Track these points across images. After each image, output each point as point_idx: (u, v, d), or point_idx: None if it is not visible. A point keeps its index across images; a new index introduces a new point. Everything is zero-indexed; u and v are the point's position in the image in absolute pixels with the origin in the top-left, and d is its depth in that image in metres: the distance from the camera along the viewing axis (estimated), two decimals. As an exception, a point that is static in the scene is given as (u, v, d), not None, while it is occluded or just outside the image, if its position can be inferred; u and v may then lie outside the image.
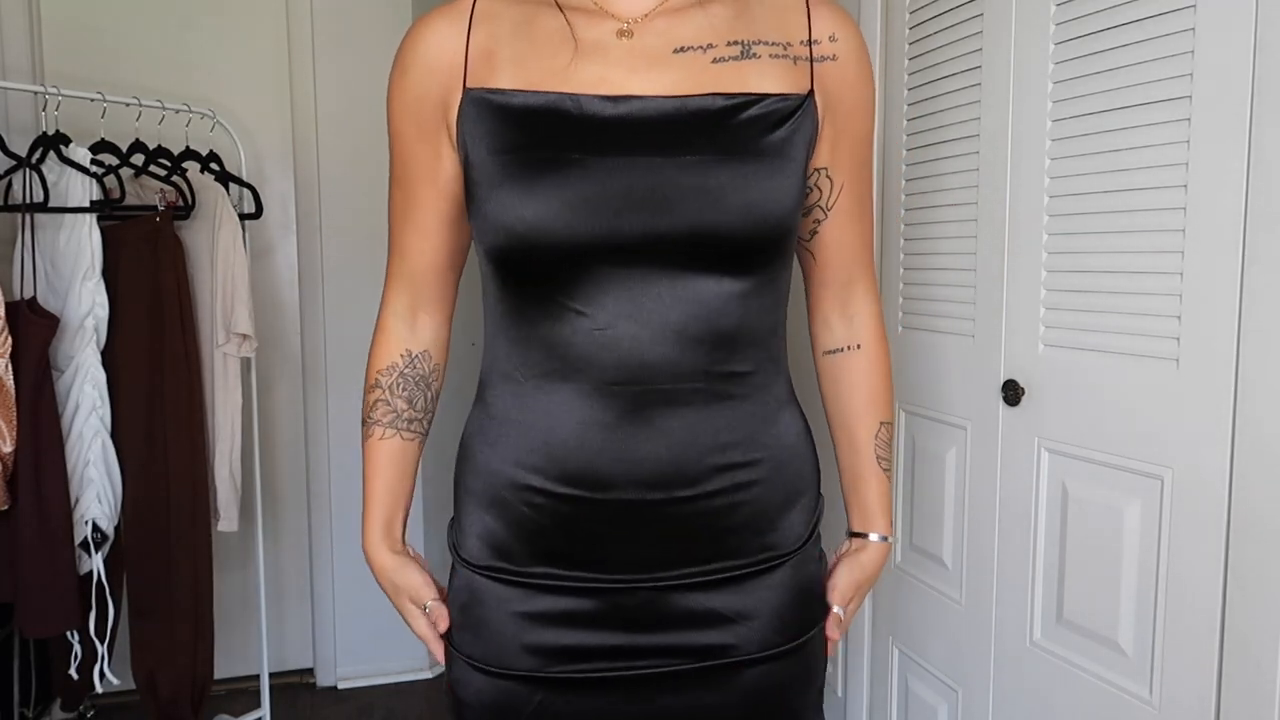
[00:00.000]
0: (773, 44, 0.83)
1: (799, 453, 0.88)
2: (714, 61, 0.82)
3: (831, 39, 0.85)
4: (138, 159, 2.03)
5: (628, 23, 0.83)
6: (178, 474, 1.97)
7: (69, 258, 1.82)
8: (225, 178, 2.16)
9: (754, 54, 0.83)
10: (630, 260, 0.77)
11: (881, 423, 0.95)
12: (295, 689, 2.68)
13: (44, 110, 1.85)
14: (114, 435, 1.87)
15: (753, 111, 0.80)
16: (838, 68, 0.85)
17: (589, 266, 0.77)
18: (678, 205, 0.76)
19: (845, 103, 0.86)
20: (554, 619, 0.83)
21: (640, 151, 0.77)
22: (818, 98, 0.84)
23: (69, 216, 1.82)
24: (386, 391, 0.91)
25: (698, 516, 0.81)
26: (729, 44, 0.83)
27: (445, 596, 0.90)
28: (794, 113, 0.81)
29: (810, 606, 0.89)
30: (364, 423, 0.93)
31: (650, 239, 0.76)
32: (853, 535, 0.96)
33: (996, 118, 1.31)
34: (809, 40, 0.84)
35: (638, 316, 0.78)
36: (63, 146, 1.83)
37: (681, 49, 0.82)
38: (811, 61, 0.84)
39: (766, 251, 0.82)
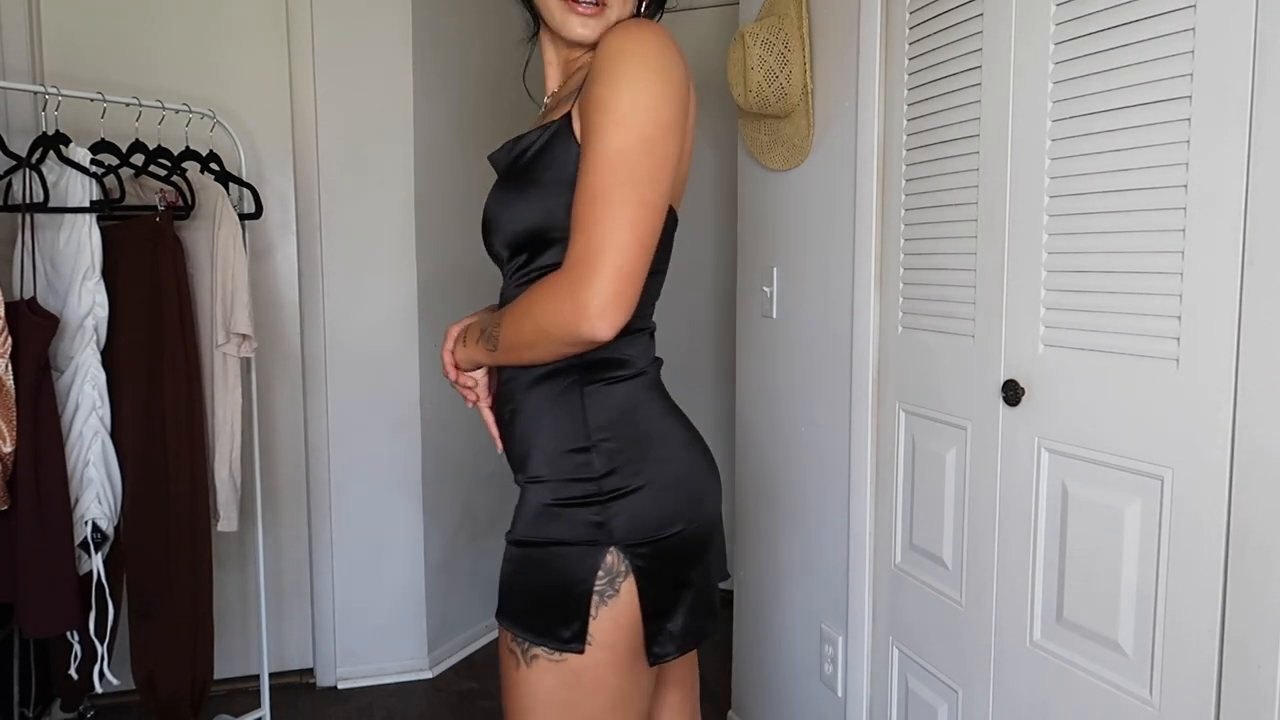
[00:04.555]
0: (572, 92, 1.07)
1: (528, 425, 1.12)
2: (543, 114, 1.15)
3: (594, 58, 1.01)
4: (138, 159, 2.03)
5: (549, 96, 1.19)
6: (178, 474, 1.97)
7: (69, 258, 1.82)
8: (225, 178, 2.16)
9: (559, 103, 1.09)
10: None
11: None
12: (295, 689, 2.69)
13: (44, 110, 1.85)
14: (114, 435, 1.87)
15: (515, 148, 1.09)
16: (589, 78, 1.00)
17: None
18: (484, 219, 1.13)
19: (584, 101, 1.00)
20: None
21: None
22: (575, 116, 1.02)
23: (69, 216, 1.82)
24: None
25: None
26: (557, 100, 1.12)
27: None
28: (536, 139, 1.06)
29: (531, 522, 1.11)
30: None
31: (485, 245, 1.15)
32: None
33: (996, 118, 1.31)
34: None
35: (500, 298, 1.17)
36: (63, 146, 1.83)
37: (542, 107, 1.18)
38: (580, 89, 1.03)
39: (510, 253, 1.10)
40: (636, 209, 0.93)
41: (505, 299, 1.13)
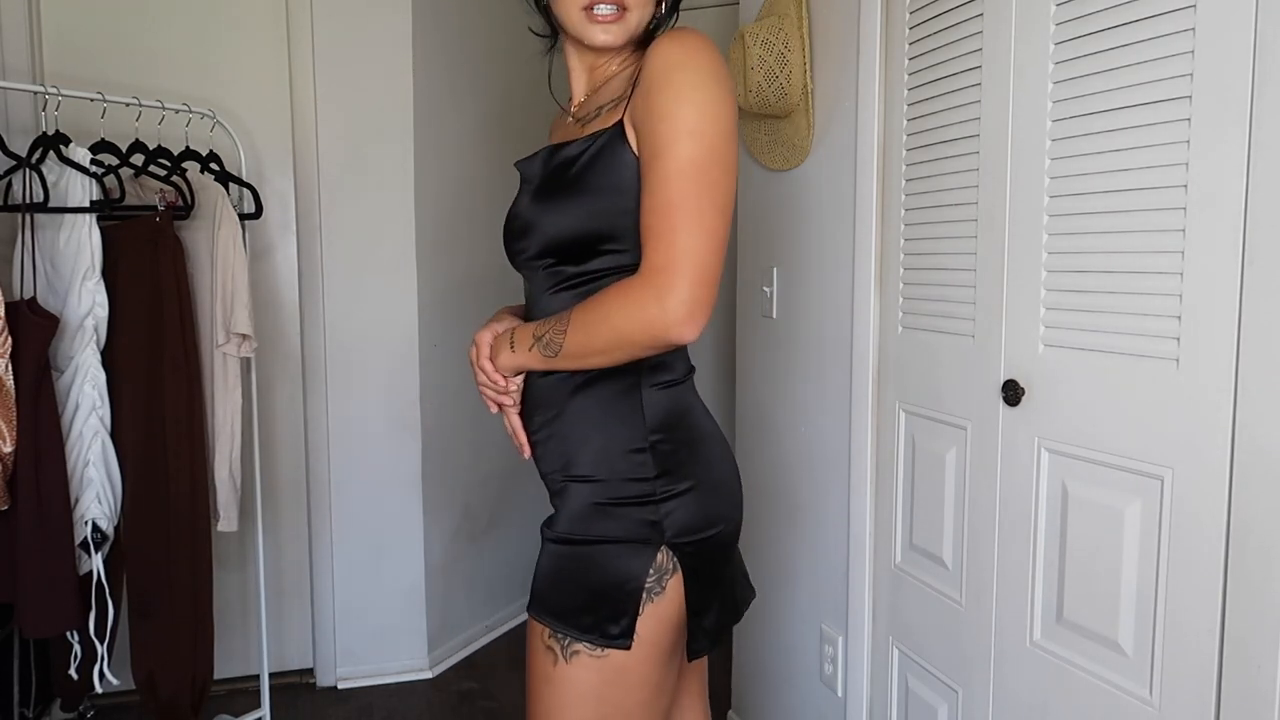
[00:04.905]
0: (614, 99, 1.09)
1: (575, 427, 1.12)
2: (575, 121, 1.16)
3: (646, 67, 1.02)
4: (138, 159, 2.03)
5: (576, 105, 1.20)
6: (178, 474, 1.97)
7: (69, 258, 1.82)
8: (225, 178, 2.16)
9: (598, 113, 1.10)
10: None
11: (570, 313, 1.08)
12: (295, 689, 2.69)
13: (44, 110, 1.85)
14: (114, 435, 1.87)
15: (556, 157, 1.10)
16: (641, 86, 1.02)
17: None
18: (518, 225, 1.13)
19: (642, 110, 1.01)
20: None
21: (522, 188, 1.17)
22: (628, 124, 1.03)
23: (69, 216, 1.82)
24: None
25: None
26: (593, 109, 1.13)
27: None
28: (586, 148, 1.06)
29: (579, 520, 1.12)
30: None
31: (510, 251, 1.16)
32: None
33: (996, 118, 1.31)
34: (636, 78, 1.04)
35: (529, 303, 1.18)
36: (63, 146, 1.83)
37: (574, 119, 1.17)
38: (630, 96, 1.04)
39: (553, 259, 1.10)
40: (713, 216, 0.97)
41: (537, 306, 1.15)
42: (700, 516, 1.09)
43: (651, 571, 1.07)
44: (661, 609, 1.07)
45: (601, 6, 1.07)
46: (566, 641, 1.07)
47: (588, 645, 1.06)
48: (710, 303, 0.98)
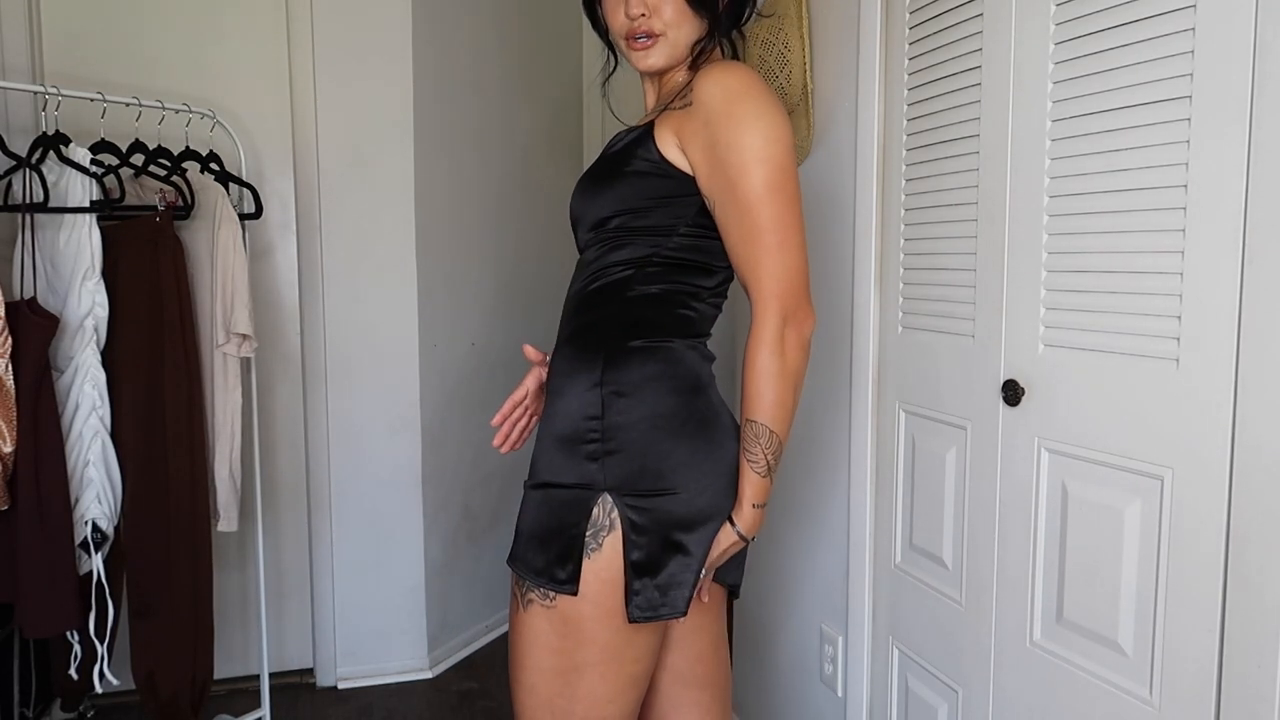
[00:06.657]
0: (664, 108, 1.18)
1: (578, 411, 1.14)
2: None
3: (688, 89, 1.13)
4: (138, 159, 2.03)
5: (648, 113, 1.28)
6: (178, 474, 1.97)
7: (69, 258, 1.82)
8: (225, 178, 2.16)
9: (657, 116, 1.18)
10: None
11: (747, 420, 1.12)
12: (295, 689, 2.68)
13: (44, 110, 1.85)
14: (114, 435, 1.87)
15: (608, 146, 1.22)
16: (690, 112, 1.11)
17: None
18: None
19: (700, 137, 1.10)
20: None
21: None
22: (669, 132, 1.13)
23: (69, 216, 1.82)
24: None
25: None
26: (653, 111, 1.23)
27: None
28: (624, 137, 1.19)
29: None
30: None
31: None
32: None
33: (996, 118, 1.31)
34: (680, 96, 1.16)
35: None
36: (63, 146, 1.83)
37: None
38: (668, 108, 1.16)
39: (580, 239, 1.23)
40: (796, 230, 1.09)
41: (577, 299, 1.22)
42: (650, 473, 1.10)
43: (590, 526, 1.09)
44: (600, 566, 1.09)
45: (636, 37, 1.16)
46: (525, 588, 1.13)
47: (539, 593, 1.11)
48: (809, 291, 1.11)
